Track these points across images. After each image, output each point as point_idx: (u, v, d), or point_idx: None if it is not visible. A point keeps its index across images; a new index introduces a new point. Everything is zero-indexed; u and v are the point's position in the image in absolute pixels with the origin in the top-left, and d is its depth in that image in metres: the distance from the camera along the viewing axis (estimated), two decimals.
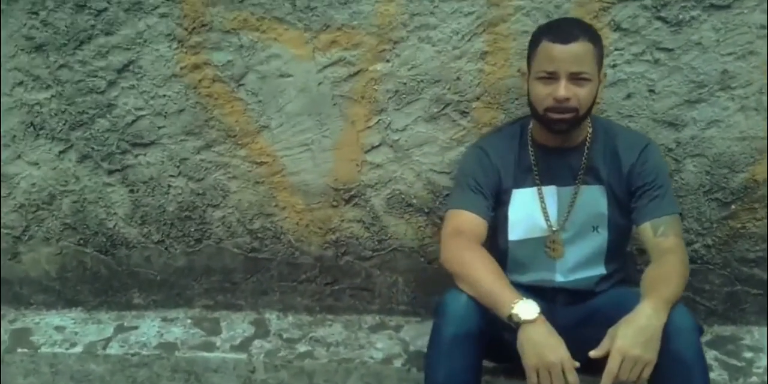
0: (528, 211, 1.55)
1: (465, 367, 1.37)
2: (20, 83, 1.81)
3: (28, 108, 1.83)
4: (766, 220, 1.71)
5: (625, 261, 1.65)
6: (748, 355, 1.71)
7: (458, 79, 1.68)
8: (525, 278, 1.57)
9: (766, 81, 1.59)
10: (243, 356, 1.76)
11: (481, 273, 1.39)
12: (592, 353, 1.27)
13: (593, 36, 1.41)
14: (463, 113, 1.71)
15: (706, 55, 1.59)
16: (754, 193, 1.70)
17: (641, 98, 1.64)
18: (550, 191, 1.54)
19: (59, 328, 1.92)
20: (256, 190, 1.86)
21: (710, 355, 1.69)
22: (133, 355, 1.79)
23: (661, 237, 1.45)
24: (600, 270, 1.57)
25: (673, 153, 1.68)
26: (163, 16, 1.70)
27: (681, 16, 1.57)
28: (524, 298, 1.32)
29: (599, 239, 1.55)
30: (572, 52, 1.37)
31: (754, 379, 1.64)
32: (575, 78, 1.38)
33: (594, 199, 1.53)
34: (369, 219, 1.84)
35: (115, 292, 2.00)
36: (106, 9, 1.71)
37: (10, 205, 1.95)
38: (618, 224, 1.54)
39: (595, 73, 1.42)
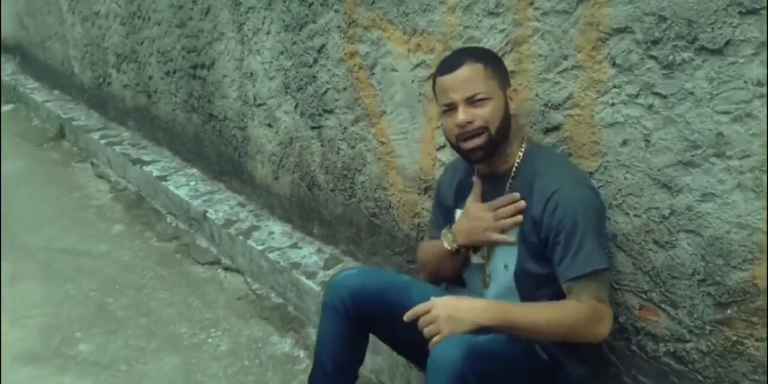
0: None
1: (330, 333, 1.85)
2: (281, 53, 2.88)
3: (284, 72, 2.90)
4: (766, 343, 1.44)
5: None
6: None
7: None
8: None
9: (766, 155, 1.35)
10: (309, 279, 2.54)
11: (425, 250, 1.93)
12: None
13: (482, 56, 1.61)
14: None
15: (699, 109, 1.44)
16: (753, 301, 1.44)
17: (636, 148, 1.59)
18: None
19: (271, 233, 3.06)
20: (378, 165, 2.50)
21: None
22: None
23: (575, 298, 1.56)
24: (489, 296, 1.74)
25: (668, 222, 1.56)
26: (336, 11, 2.47)
27: (672, 57, 1.46)
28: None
29: (507, 277, 1.71)
30: (459, 78, 1.60)
31: None
32: (472, 101, 1.61)
33: (509, 234, 1.68)
34: None
35: (312, 219, 2.99)
36: (312, 3, 2.59)
37: (276, 140, 3.11)
38: (525, 267, 1.66)
39: (495, 90, 1.61)
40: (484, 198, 1.76)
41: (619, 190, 1.66)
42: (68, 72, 5.97)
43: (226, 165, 3.62)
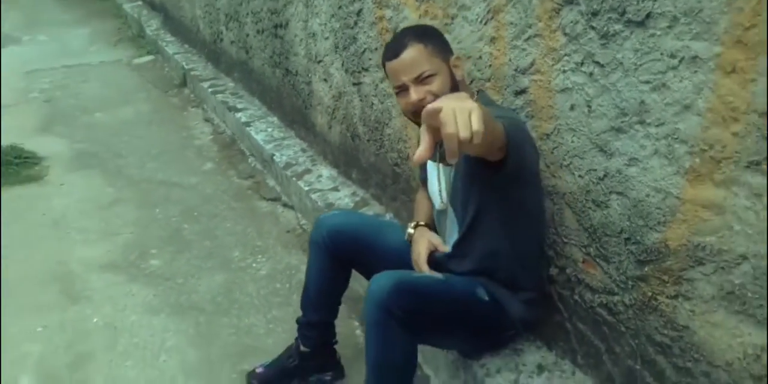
0: (433, 182, 1.85)
1: (314, 265, 2.00)
2: (332, 16, 2.96)
3: (335, 33, 2.98)
4: (674, 301, 1.43)
5: (502, 258, 1.71)
6: None
7: (480, 58, 1.94)
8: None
9: (677, 126, 1.32)
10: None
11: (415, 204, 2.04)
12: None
13: (422, 35, 1.62)
14: (479, 92, 1.97)
15: (627, 79, 1.41)
16: (664, 261, 1.43)
17: (581, 113, 1.58)
18: (443, 167, 1.79)
19: (320, 176, 3.20)
20: (400, 120, 2.56)
21: None
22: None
23: None
24: (452, 239, 1.80)
25: (603, 183, 1.56)
26: None
27: (606, 28, 1.43)
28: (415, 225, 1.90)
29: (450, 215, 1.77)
30: (404, 62, 1.63)
31: None
32: (420, 80, 1.63)
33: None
34: None
35: (353, 165, 3.10)
36: None
37: (330, 94, 3.22)
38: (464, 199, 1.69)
39: (439, 65, 1.63)
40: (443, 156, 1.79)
41: (568, 151, 1.66)
42: (195, 29, 6.28)
43: (297, 115, 3.78)
